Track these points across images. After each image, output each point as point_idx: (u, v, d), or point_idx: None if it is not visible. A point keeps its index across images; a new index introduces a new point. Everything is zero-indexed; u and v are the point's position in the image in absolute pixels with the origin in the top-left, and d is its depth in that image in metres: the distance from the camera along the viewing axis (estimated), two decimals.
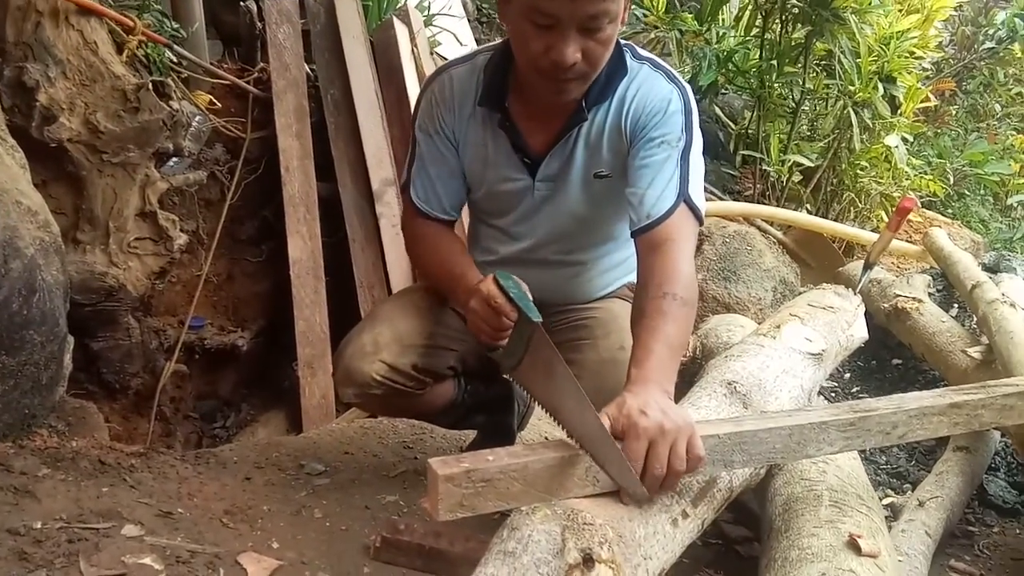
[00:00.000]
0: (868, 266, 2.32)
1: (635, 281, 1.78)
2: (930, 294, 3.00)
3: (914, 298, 2.66)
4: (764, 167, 3.78)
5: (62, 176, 2.71)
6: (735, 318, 2.63)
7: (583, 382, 1.52)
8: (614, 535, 1.06)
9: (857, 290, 2.12)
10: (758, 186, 3.99)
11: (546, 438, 2.10)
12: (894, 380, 2.75)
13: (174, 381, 3.38)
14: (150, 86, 2.70)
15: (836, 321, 1.92)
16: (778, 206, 3.99)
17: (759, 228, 3.54)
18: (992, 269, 3.35)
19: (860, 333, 2.08)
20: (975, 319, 2.42)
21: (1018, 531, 2.04)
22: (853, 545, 1.22)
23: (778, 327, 1.77)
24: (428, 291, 1.71)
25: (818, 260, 3.68)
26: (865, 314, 2.31)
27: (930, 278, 2.97)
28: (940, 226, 4.30)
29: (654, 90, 1.44)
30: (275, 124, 3.32)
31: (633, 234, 1.41)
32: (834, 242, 3.70)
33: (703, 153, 1.47)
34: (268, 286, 3.75)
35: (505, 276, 1.33)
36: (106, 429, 1.97)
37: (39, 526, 1.37)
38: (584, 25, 1.28)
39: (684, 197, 1.39)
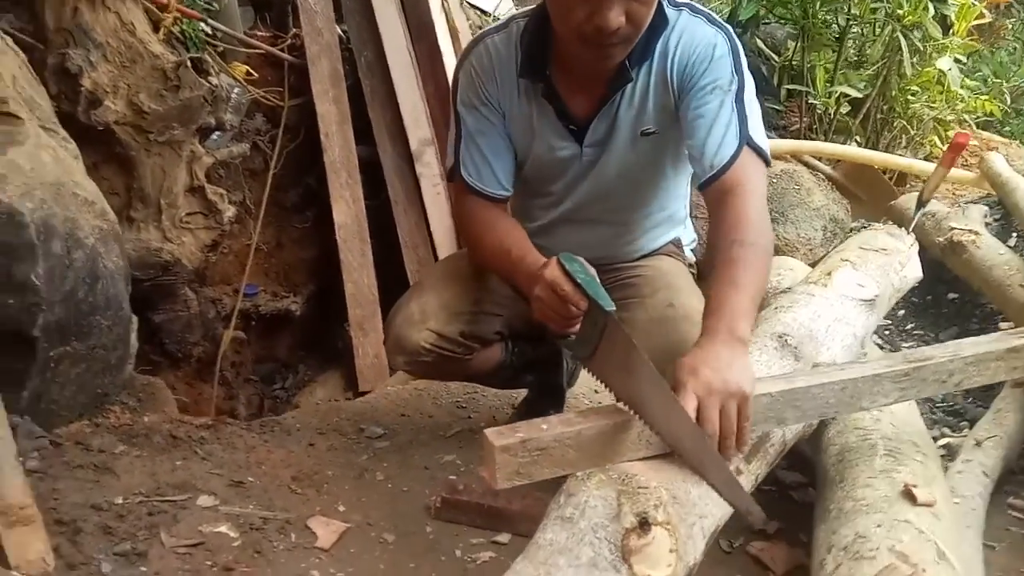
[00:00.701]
0: (921, 203, 2.26)
1: (680, 238, 1.77)
2: (987, 224, 2.91)
3: (970, 230, 2.59)
4: (810, 100, 3.67)
5: (111, 157, 2.78)
6: (784, 261, 2.58)
7: (636, 340, 1.52)
8: (668, 497, 1.08)
9: (911, 228, 2.06)
10: (805, 120, 3.88)
11: (596, 391, 2.12)
12: (949, 315, 2.70)
13: (233, 347, 3.50)
14: (188, 63, 2.73)
15: (889, 263, 1.88)
16: (826, 140, 3.88)
17: (807, 164, 3.46)
18: None
19: (914, 273, 2.03)
20: None
21: None
22: (909, 495, 1.23)
23: (829, 274, 1.74)
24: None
25: (869, 193, 3.58)
26: (920, 249, 2.27)
27: (987, 208, 2.88)
28: (996, 148, 4.14)
29: (697, 36, 1.39)
30: (311, 90, 3.33)
31: (700, 187, 1.39)
32: (885, 174, 3.59)
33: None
34: (316, 251, 3.82)
35: (569, 259, 1.26)
36: (175, 403, 2.06)
37: (120, 501, 1.45)
38: None
39: (746, 140, 1.35)
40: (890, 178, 3.62)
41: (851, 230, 3.24)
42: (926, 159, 4.46)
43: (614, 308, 1.14)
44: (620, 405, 1.15)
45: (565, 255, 1.28)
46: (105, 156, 2.75)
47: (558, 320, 1.29)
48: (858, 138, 3.82)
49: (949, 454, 1.88)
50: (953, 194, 3.87)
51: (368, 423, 1.91)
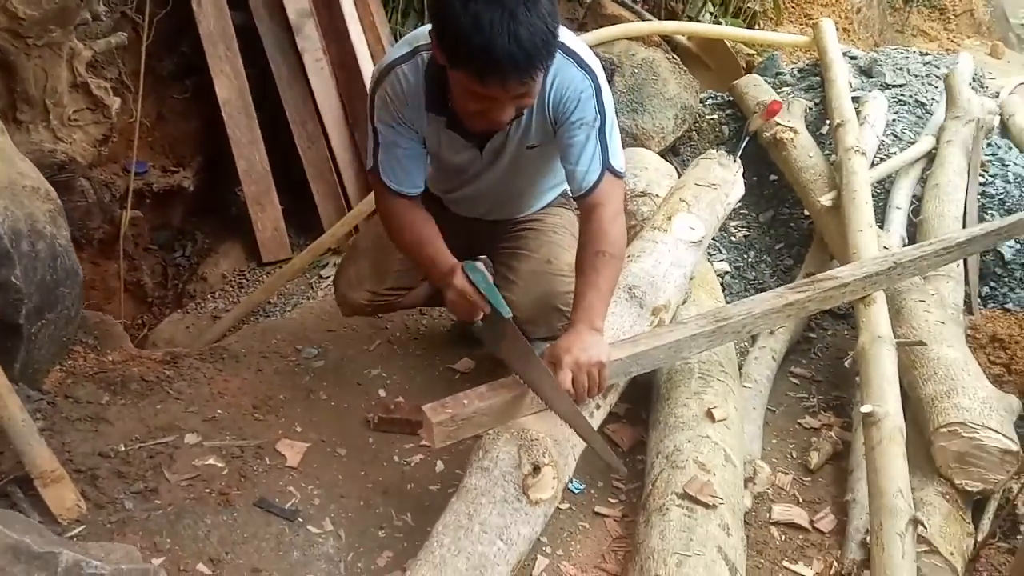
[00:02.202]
0: (747, 134, 2.69)
1: (567, 189, 2.15)
2: (809, 108, 3.41)
3: (791, 128, 3.08)
4: None
5: None
6: (641, 157, 2.99)
7: (518, 286, 1.97)
8: (551, 442, 1.60)
9: (736, 157, 2.52)
10: None
11: None
12: (769, 197, 3.24)
13: (130, 222, 3.64)
14: None
15: (717, 198, 2.36)
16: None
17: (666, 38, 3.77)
18: (866, 72, 3.76)
19: (737, 193, 2.53)
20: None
21: (846, 332, 2.70)
22: (709, 415, 1.80)
23: (669, 219, 2.20)
24: None
25: (717, 63, 3.99)
26: (750, 134, 2.73)
27: (808, 103, 3.35)
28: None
29: (567, 80, 1.67)
30: None
31: (573, 198, 1.78)
32: (733, 47, 3.98)
33: None
34: (199, 123, 3.88)
35: (472, 268, 1.64)
36: (127, 338, 2.34)
37: (123, 448, 1.82)
38: (517, 95, 1.52)
39: (606, 167, 1.72)
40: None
41: (701, 102, 3.67)
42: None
43: (511, 314, 1.61)
44: (516, 378, 1.63)
45: (468, 264, 1.67)
46: None
47: (466, 316, 1.71)
48: (711, 6, 4.13)
49: (751, 339, 2.48)
50: (789, 57, 4.33)
51: (303, 343, 2.30)
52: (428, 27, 1.64)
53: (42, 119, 2.95)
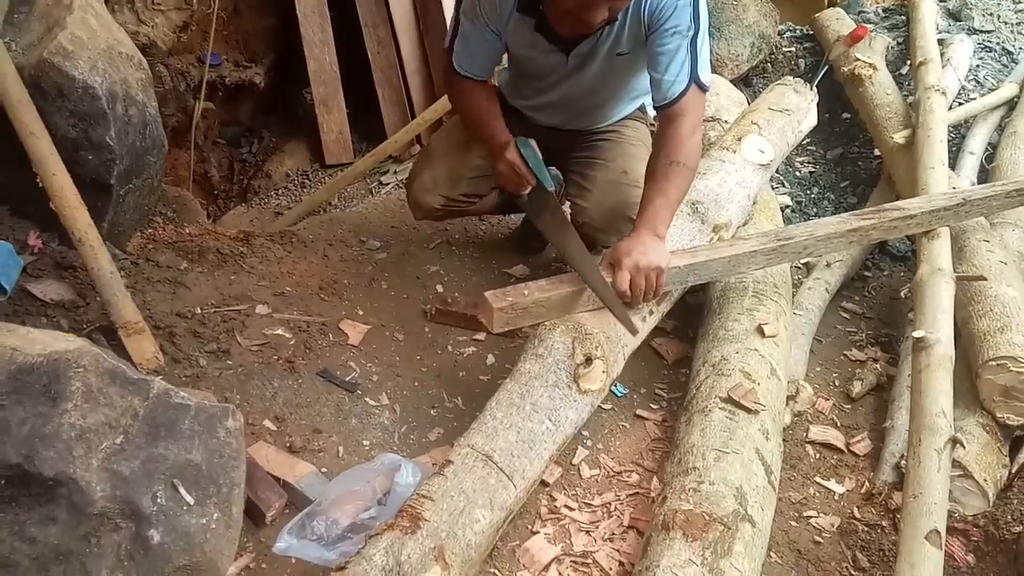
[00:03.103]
0: (826, 62, 2.63)
1: (644, 103, 2.16)
2: (890, 47, 3.31)
3: (870, 64, 3.00)
4: None
5: None
6: (713, 83, 2.95)
7: (593, 195, 2.01)
8: (604, 338, 1.66)
9: (814, 85, 2.48)
10: None
11: None
12: (839, 135, 3.19)
13: (202, 113, 3.74)
14: None
15: (789, 124, 2.34)
16: None
17: None
18: (954, 16, 3.62)
19: (810, 123, 2.50)
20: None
21: (902, 274, 2.68)
22: (760, 331, 1.84)
23: (739, 139, 2.20)
24: None
25: None
26: (828, 69, 2.66)
27: (891, 42, 3.25)
28: None
29: None
30: None
31: (654, 108, 1.80)
32: None
33: None
34: (274, 20, 3.92)
35: (524, 143, 1.75)
36: (203, 213, 2.44)
37: (199, 311, 1.93)
38: None
39: (694, 79, 1.73)
40: None
41: (779, 34, 3.59)
42: None
43: (554, 189, 1.74)
44: (575, 275, 1.68)
45: (521, 140, 1.76)
46: None
47: (513, 187, 1.83)
48: None
49: (806, 271, 2.49)
50: (876, 1, 4.17)
51: (366, 235, 2.38)
52: None
53: (128, 0, 3.03)
